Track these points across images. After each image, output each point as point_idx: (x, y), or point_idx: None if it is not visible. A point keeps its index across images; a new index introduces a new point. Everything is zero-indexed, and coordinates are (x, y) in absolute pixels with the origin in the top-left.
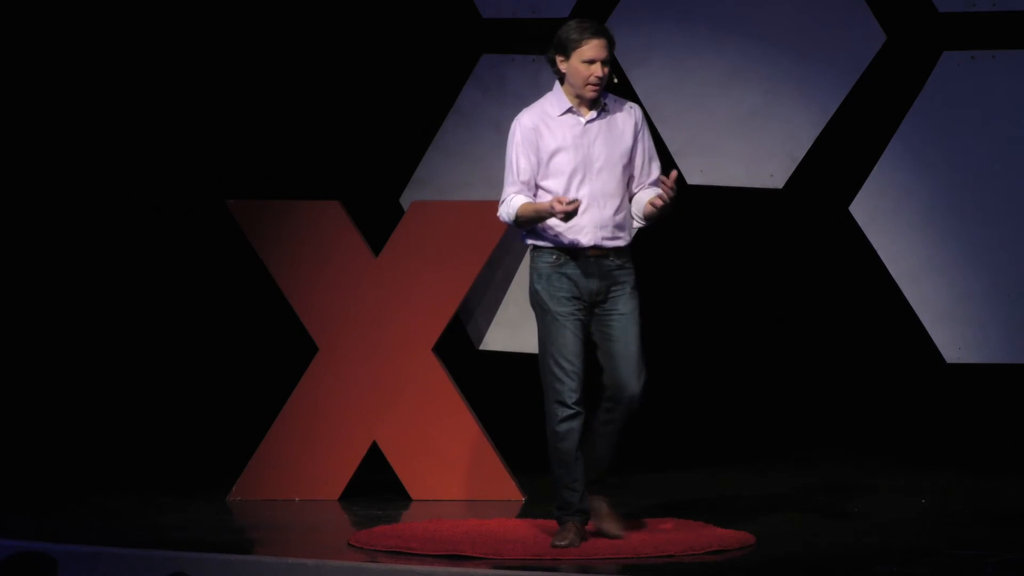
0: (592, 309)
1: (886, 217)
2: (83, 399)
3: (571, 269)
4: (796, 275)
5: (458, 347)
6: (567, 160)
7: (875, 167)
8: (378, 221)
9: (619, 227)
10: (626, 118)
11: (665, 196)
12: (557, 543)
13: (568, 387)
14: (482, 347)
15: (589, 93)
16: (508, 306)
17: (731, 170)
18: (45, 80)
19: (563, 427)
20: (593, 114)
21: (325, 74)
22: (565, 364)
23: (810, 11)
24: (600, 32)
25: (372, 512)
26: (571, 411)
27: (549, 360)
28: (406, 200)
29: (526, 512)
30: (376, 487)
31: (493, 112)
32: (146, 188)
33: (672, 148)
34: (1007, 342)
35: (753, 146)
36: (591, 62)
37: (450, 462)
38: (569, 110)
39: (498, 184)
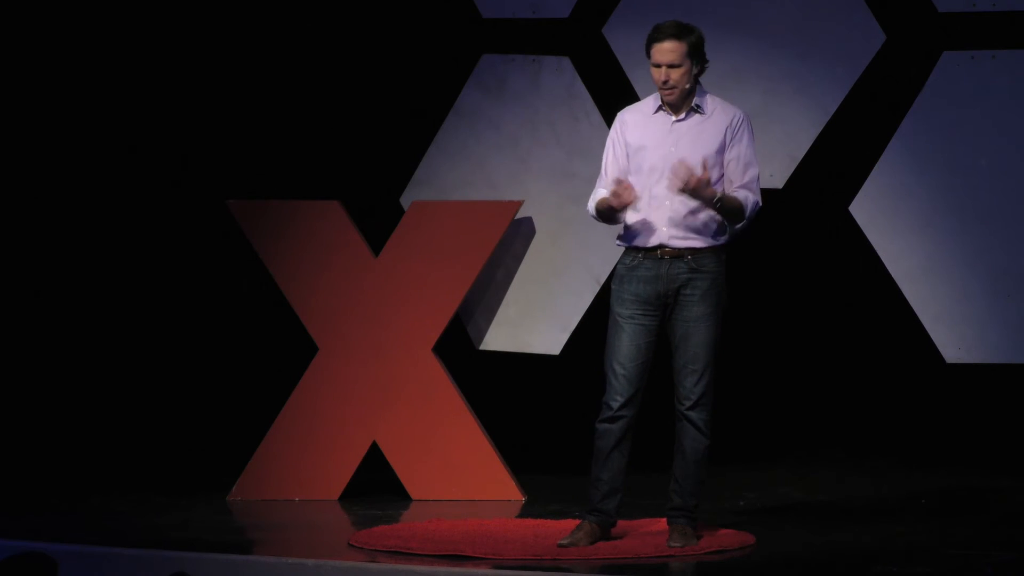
0: (667, 313)
1: (886, 217)
2: (83, 399)
3: (643, 271)
4: (796, 275)
5: (458, 347)
6: (647, 157)
7: (875, 167)
8: (378, 221)
9: (695, 228)
10: (722, 121)
11: (672, 182)
12: (560, 542)
13: (614, 390)
14: (482, 347)
15: (663, 96)
16: (508, 306)
17: None
18: (45, 80)
19: (601, 427)
20: (683, 114)
21: (325, 74)
22: (616, 367)
23: (810, 11)
24: (666, 36)
25: (372, 512)
26: (611, 413)
27: (606, 360)
28: (406, 200)
29: (526, 512)
30: (376, 487)
31: (493, 112)
32: (147, 188)
33: None
34: (1007, 342)
35: None
36: (657, 66)
37: (450, 462)
38: (660, 108)
39: (498, 184)
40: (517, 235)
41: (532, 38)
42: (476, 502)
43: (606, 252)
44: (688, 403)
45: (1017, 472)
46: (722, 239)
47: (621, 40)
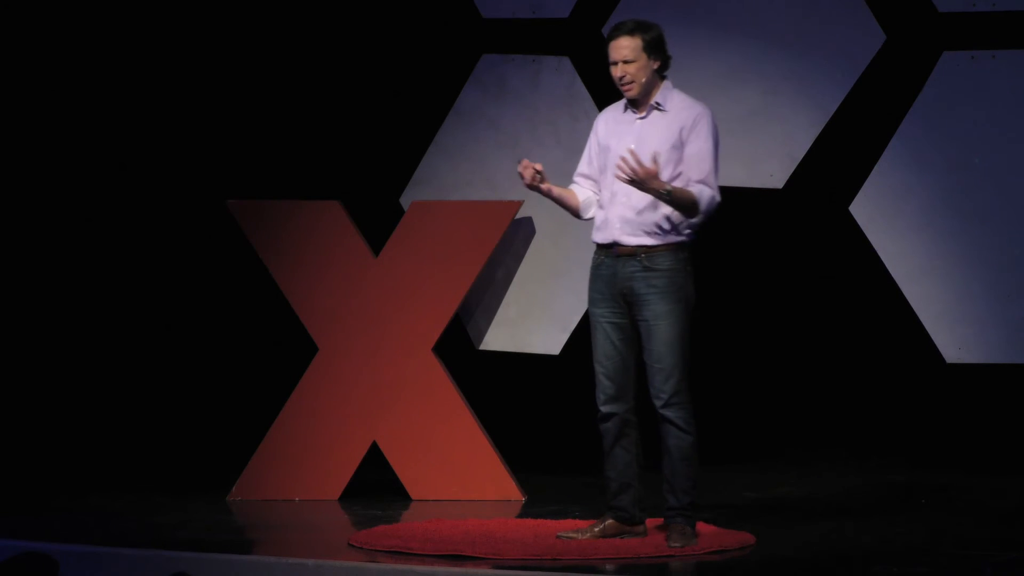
0: (631, 311)
1: (886, 217)
2: (83, 399)
3: (605, 269)
4: (796, 275)
5: (458, 347)
6: (611, 155)
7: (875, 167)
8: (378, 221)
9: (648, 226)
10: (679, 118)
11: (620, 171)
12: (559, 533)
13: (600, 388)
14: (482, 347)
15: (624, 93)
16: (508, 306)
17: (731, 170)
18: (46, 80)
19: (600, 427)
20: (645, 112)
21: (325, 74)
22: (597, 366)
23: (810, 11)
24: (617, 32)
25: (372, 512)
26: (600, 412)
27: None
28: (406, 200)
29: (526, 512)
30: (376, 487)
31: (493, 112)
32: (147, 188)
33: None
34: (1007, 342)
35: (753, 146)
36: (614, 63)
37: (450, 462)
38: (628, 107)
39: (498, 184)
40: (517, 235)
41: (532, 38)
42: (476, 502)
43: None
44: (660, 402)
45: (1017, 472)
46: (681, 237)
47: None
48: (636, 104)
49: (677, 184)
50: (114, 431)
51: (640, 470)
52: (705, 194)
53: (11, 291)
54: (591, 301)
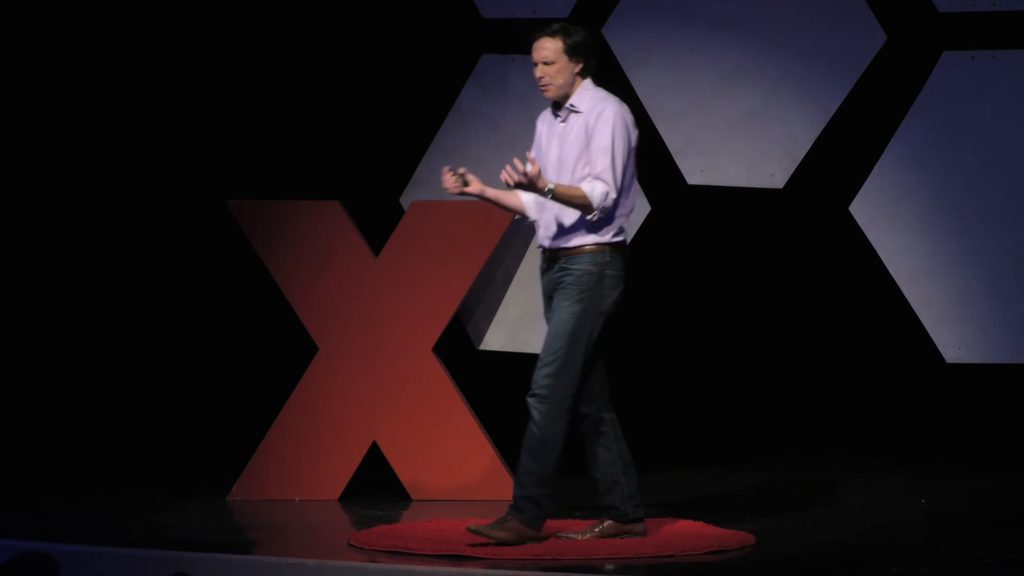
0: None
1: (886, 217)
2: (83, 399)
3: (540, 272)
4: (796, 275)
5: (458, 347)
6: (542, 161)
7: (875, 167)
8: (378, 221)
9: (565, 229)
10: (587, 115)
11: (506, 180)
12: (560, 533)
13: None
14: (482, 347)
15: (543, 94)
16: (508, 306)
17: (731, 170)
18: (46, 80)
19: (577, 429)
20: (564, 115)
21: (325, 74)
22: None
23: (810, 11)
24: (540, 33)
25: (372, 512)
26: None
27: None
28: (406, 200)
29: None
30: (376, 487)
31: (493, 112)
32: (146, 188)
33: (672, 148)
34: (1007, 342)
35: (753, 146)
36: (535, 64)
37: (450, 462)
38: (554, 110)
39: (497, 184)
40: (517, 235)
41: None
42: (476, 502)
43: None
44: (531, 391)
45: (1017, 472)
46: (601, 239)
47: (621, 40)
48: (558, 107)
49: (583, 184)
50: (114, 431)
51: (625, 466)
52: (597, 189)
53: (11, 291)
54: (543, 306)
